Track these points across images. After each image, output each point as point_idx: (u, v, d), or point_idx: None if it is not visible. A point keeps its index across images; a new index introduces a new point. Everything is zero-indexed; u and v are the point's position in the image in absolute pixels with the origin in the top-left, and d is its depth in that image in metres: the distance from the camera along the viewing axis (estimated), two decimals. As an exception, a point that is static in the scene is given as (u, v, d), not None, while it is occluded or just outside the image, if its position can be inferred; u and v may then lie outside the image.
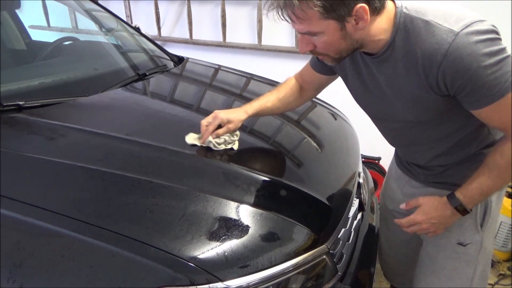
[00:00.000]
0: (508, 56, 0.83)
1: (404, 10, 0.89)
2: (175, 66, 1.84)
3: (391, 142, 1.20)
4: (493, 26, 0.84)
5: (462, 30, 0.82)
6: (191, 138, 1.17)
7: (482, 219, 1.09)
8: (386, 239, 1.44)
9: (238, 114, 1.19)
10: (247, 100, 1.30)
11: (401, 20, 0.88)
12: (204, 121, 1.17)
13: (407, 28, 0.88)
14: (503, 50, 0.83)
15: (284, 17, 0.87)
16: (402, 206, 1.13)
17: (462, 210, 1.00)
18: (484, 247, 1.12)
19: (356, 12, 0.82)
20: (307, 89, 1.29)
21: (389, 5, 0.89)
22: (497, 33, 0.84)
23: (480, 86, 0.83)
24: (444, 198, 1.02)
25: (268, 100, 1.23)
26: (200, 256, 0.82)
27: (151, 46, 1.97)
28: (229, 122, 1.16)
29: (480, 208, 1.08)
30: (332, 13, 0.82)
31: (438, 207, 1.03)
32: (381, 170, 2.55)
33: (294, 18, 0.85)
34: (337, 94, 2.35)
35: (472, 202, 0.99)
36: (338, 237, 1.07)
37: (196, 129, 1.18)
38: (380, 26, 0.89)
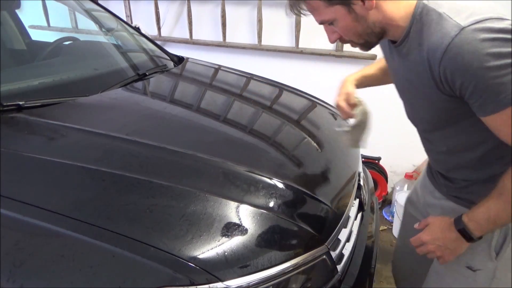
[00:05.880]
0: None
1: (424, 1, 0.85)
2: (175, 66, 1.84)
3: (423, 145, 1.14)
4: None
5: (469, 25, 0.75)
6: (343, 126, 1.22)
7: (500, 247, 0.99)
8: (402, 243, 1.38)
9: (348, 87, 1.20)
10: (247, 100, 1.29)
11: (419, 10, 0.85)
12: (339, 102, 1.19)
13: (423, 20, 0.84)
14: None
15: (301, 13, 0.92)
16: (416, 225, 1.07)
17: (468, 236, 0.91)
18: (497, 278, 1.01)
19: None
20: None
21: None
22: None
23: (482, 89, 0.76)
24: (451, 219, 0.95)
25: (370, 68, 1.23)
26: (200, 256, 0.82)
27: (151, 46, 1.97)
28: (348, 93, 1.18)
29: (498, 235, 0.98)
30: None
31: (443, 228, 0.96)
32: (381, 170, 2.55)
33: (306, 12, 0.90)
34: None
35: (479, 228, 0.90)
36: (338, 237, 1.07)
37: (196, 129, 1.18)
38: (398, 12, 0.87)
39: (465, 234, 0.91)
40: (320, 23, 0.93)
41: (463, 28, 0.76)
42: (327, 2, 0.85)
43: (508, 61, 0.73)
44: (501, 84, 0.74)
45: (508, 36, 0.74)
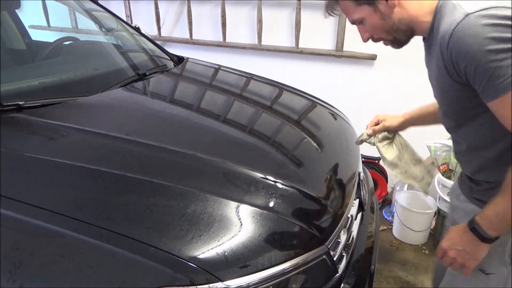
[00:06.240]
0: None
1: None
2: (175, 66, 1.84)
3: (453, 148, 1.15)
4: None
5: (474, 12, 0.80)
6: (363, 135, 1.34)
7: None
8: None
9: (396, 116, 1.31)
10: (247, 100, 1.30)
11: (439, 5, 0.92)
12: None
13: (441, 11, 0.90)
14: None
15: (335, 13, 1.04)
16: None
17: (481, 236, 0.91)
18: (510, 285, 1.01)
19: None
20: None
21: None
22: None
23: (482, 73, 0.79)
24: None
25: (427, 107, 1.26)
26: (200, 256, 0.82)
27: (151, 46, 1.97)
28: (384, 119, 1.31)
29: None
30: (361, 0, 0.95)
31: (460, 231, 0.97)
32: (381, 170, 2.55)
33: (340, 13, 1.02)
34: (337, 94, 2.36)
35: (490, 226, 0.90)
36: (338, 237, 1.07)
37: (196, 129, 1.18)
38: (421, 8, 0.94)
39: (478, 234, 0.91)
40: (352, 22, 1.03)
41: (468, 14, 0.80)
42: (355, 3, 0.96)
43: (508, 46, 0.75)
44: (500, 68, 0.77)
45: (510, 22, 0.76)
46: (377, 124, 1.33)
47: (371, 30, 1.01)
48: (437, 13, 0.92)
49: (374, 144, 1.32)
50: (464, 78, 0.85)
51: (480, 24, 0.78)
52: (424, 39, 1.00)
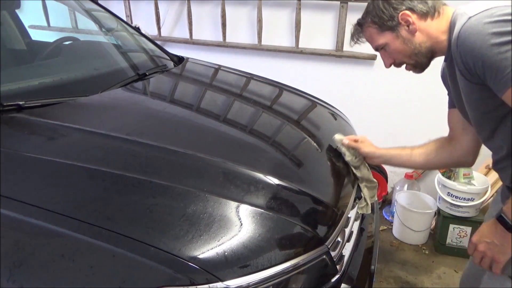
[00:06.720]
0: None
1: (457, 11, 0.96)
2: (175, 66, 1.84)
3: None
4: None
5: (476, 14, 0.86)
6: (339, 138, 1.35)
7: None
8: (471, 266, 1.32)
9: (375, 147, 1.34)
10: (247, 100, 1.30)
11: (452, 18, 0.98)
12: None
13: (453, 25, 0.95)
14: None
15: (360, 41, 1.13)
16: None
17: (507, 224, 0.91)
18: None
19: (401, 20, 1.01)
20: (456, 136, 1.20)
21: (448, 9, 1.01)
22: None
23: (490, 66, 0.83)
24: None
25: (405, 149, 1.29)
26: (200, 256, 0.82)
27: (151, 46, 1.97)
28: (363, 142, 1.33)
29: None
30: (384, 26, 1.03)
31: (489, 224, 0.97)
32: (381, 170, 2.55)
33: (365, 40, 1.11)
34: (337, 94, 2.36)
35: None
36: (338, 237, 1.07)
37: (197, 129, 1.18)
38: (440, 29, 1.00)
39: (505, 222, 0.91)
40: (376, 49, 1.10)
41: (470, 17, 0.87)
42: (379, 29, 1.04)
43: (509, 38, 0.79)
44: (506, 59, 0.80)
45: (509, 17, 0.81)
46: (355, 141, 1.34)
47: (394, 55, 1.06)
48: (451, 28, 0.96)
49: (342, 152, 1.34)
50: (477, 78, 0.89)
51: (482, 23, 0.83)
52: (445, 59, 1.04)
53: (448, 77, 1.08)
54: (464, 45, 0.87)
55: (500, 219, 0.93)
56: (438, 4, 1.01)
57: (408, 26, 1.01)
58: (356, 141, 1.33)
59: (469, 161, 1.21)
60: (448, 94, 1.18)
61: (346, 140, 1.33)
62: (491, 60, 0.82)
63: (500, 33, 0.80)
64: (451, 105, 1.18)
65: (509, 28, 0.80)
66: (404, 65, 1.11)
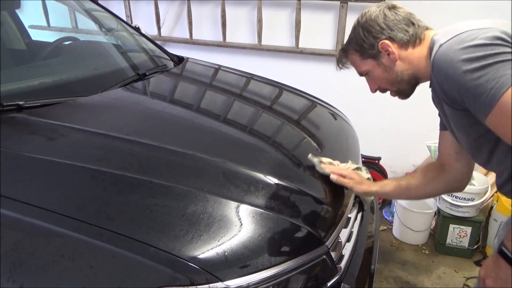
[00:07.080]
0: (502, 62, 0.76)
1: (434, 36, 0.95)
2: (175, 66, 1.84)
3: None
4: (502, 32, 0.79)
5: (446, 41, 0.85)
6: (316, 160, 1.20)
7: None
8: None
9: (367, 182, 1.23)
10: (247, 100, 1.30)
11: (430, 45, 0.96)
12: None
13: (431, 51, 0.93)
14: (494, 55, 0.77)
15: (345, 66, 1.13)
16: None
17: (509, 259, 0.87)
18: None
19: (381, 48, 0.99)
20: (449, 162, 1.14)
21: (429, 34, 0.99)
22: (499, 38, 0.79)
23: (466, 94, 0.81)
24: None
25: (400, 182, 1.23)
26: (200, 256, 0.82)
27: (151, 46, 1.97)
28: (351, 178, 1.19)
29: None
30: (365, 54, 1.03)
31: (493, 257, 0.93)
32: (381, 170, 2.55)
33: (349, 66, 1.11)
34: (336, 94, 2.35)
35: None
36: (338, 237, 1.07)
37: (196, 129, 1.18)
38: (422, 55, 0.98)
39: (506, 256, 0.88)
40: (360, 74, 1.10)
41: (441, 45, 0.86)
42: (361, 57, 1.04)
43: (484, 63, 0.77)
44: (480, 86, 0.78)
45: (480, 42, 0.79)
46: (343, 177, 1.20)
47: (377, 81, 1.06)
48: (430, 55, 0.94)
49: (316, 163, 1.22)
50: (459, 104, 0.87)
51: (452, 50, 0.83)
52: (429, 85, 1.00)
53: (437, 104, 1.04)
54: (438, 74, 0.86)
55: (502, 253, 0.89)
56: (420, 31, 0.99)
57: (388, 54, 1.00)
58: (343, 176, 1.19)
59: (462, 186, 1.18)
60: (439, 115, 1.12)
61: (333, 176, 1.18)
62: (466, 87, 0.80)
63: (471, 59, 0.78)
64: (443, 127, 1.12)
65: (480, 53, 0.78)
66: (389, 92, 1.09)
